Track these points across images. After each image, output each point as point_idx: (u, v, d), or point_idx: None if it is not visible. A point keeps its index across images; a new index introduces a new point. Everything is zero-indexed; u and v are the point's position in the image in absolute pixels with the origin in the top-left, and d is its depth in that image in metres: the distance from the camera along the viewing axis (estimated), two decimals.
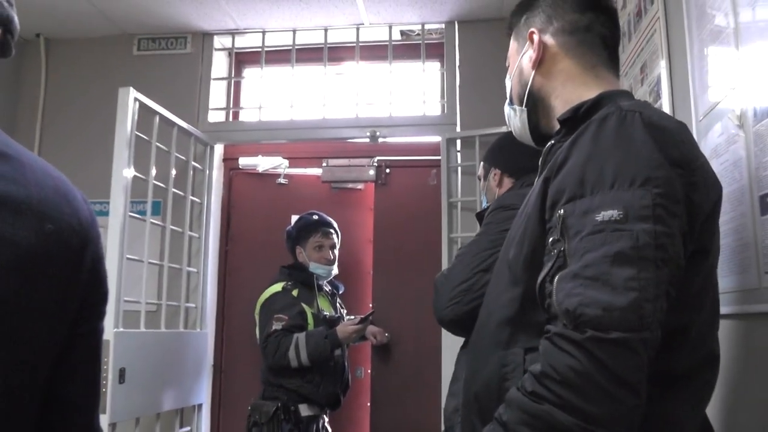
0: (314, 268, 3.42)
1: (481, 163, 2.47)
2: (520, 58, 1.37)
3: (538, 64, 1.32)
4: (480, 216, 2.29)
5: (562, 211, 1.03)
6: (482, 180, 2.44)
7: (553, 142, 1.26)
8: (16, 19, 1.05)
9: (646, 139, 1.01)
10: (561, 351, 0.94)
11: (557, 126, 1.27)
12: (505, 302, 1.19)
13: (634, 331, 0.91)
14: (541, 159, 1.28)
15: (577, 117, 1.19)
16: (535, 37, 1.32)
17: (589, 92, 1.23)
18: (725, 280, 1.55)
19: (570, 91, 1.28)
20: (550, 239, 1.04)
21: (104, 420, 2.76)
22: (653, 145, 1.01)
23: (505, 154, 2.33)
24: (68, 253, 0.94)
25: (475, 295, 1.99)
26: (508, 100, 1.44)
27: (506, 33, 1.45)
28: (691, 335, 1.06)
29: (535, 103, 1.35)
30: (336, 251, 3.52)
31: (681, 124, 1.11)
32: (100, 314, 1.04)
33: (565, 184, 1.05)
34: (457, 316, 2.02)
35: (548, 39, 1.32)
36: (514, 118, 1.41)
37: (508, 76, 1.44)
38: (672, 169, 1.00)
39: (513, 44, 1.42)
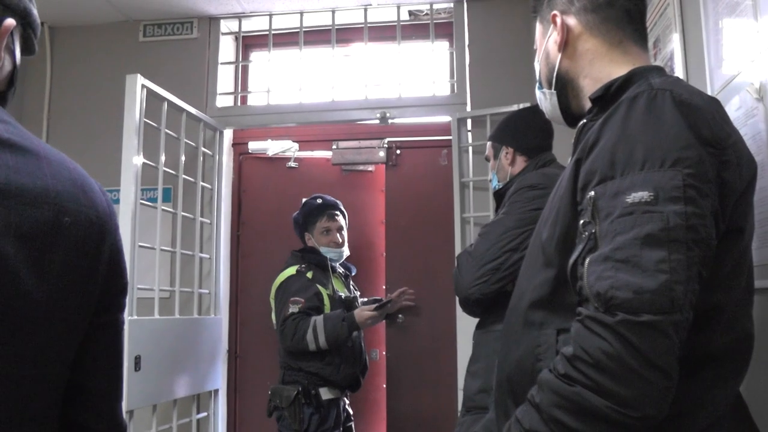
0: (325, 251, 3.41)
1: (489, 142, 2.45)
2: (546, 41, 1.36)
3: (564, 46, 1.30)
4: (498, 195, 2.27)
5: (592, 193, 1.02)
6: (492, 159, 2.42)
7: (584, 121, 1.24)
8: (34, 12, 1.04)
9: (677, 119, 1.00)
10: (592, 334, 0.94)
11: (588, 106, 1.25)
12: (538, 284, 1.19)
13: (665, 313, 0.91)
14: (573, 139, 1.27)
15: (609, 95, 1.18)
16: (558, 20, 1.31)
17: (618, 69, 1.22)
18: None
19: (598, 69, 1.26)
20: (582, 221, 1.04)
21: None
22: (683, 125, 1.00)
23: (517, 133, 2.31)
24: (86, 245, 0.93)
25: (503, 274, 1.98)
26: (537, 84, 1.43)
27: (532, 16, 1.43)
28: (724, 315, 1.05)
29: (564, 86, 1.33)
30: (344, 233, 3.50)
31: (713, 100, 1.10)
32: (120, 305, 1.05)
33: (595, 165, 1.04)
34: (484, 296, 2.01)
35: (571, 20, 1.30)
36: (545, 102, 1.40)
37: (536, 60, 1.42)
38: (703, 148, 0.99)
39: (539, 27, 1.41)
